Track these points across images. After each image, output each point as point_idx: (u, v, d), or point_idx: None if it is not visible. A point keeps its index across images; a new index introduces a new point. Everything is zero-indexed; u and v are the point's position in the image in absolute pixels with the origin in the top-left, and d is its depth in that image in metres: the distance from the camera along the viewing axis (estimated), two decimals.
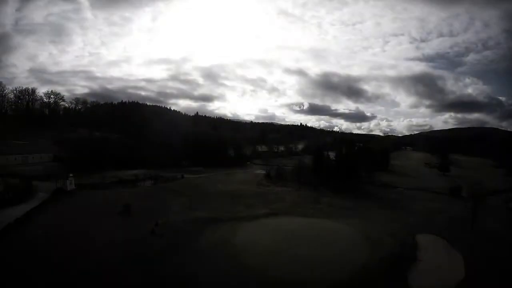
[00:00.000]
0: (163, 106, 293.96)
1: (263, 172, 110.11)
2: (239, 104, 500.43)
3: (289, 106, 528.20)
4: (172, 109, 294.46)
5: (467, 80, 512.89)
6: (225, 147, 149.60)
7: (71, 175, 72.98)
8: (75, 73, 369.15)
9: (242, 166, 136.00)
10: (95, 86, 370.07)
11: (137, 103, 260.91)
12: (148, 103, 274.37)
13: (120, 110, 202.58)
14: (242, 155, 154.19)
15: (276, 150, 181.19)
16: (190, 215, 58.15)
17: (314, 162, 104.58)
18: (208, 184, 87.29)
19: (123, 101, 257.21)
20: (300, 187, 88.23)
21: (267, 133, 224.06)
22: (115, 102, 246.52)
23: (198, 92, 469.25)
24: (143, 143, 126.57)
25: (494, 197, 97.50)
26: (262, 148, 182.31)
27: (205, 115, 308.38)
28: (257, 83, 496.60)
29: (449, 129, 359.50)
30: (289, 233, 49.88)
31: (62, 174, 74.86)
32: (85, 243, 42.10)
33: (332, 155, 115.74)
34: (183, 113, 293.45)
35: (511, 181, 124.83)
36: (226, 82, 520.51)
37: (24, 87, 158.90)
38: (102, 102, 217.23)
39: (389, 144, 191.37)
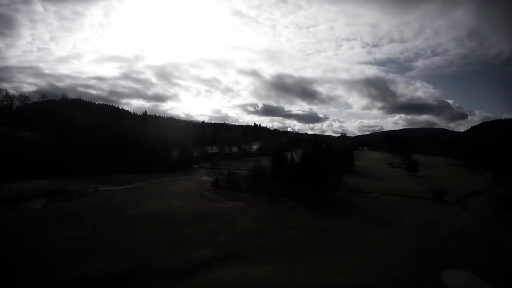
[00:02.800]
0: (112, 105, 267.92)
1: (212, 178, 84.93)
2: (193, 105, 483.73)
3: (243, 107, 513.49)
4: (121, 108, 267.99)
5: (418, 84, 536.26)
6: (168, 149, 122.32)
7: None
8: (22, 69, 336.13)
9: (187, 170, 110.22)
10: (43, 83, 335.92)
11: (80, 99, 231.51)
12: (92, 101, 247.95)
13: (55, 107, 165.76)
14: (188, 158, 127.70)
15: (228, 151, 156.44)
16: (69, 273, 31.50)
17: (273, 165, 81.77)
18: (132, 201, 60.26)
19: (65, 97, 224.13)
20: (258, 200, 64.56)
21: (219, 132, 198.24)
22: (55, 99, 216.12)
23: (151, 91, 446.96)
24: (69, 145, 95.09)
25: (475, 199, 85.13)
26: (212, 149, 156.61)
27: (155, 115, 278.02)
28: (212, 83, 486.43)
29: (401, 130, 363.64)
30: None
31: None
32: None
33: (294, 156, 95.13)
34: (132, 112, 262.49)
35: (480, 180, 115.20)
36: (180, 81, 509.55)
37: None
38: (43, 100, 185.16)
39: (348, 144, 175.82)
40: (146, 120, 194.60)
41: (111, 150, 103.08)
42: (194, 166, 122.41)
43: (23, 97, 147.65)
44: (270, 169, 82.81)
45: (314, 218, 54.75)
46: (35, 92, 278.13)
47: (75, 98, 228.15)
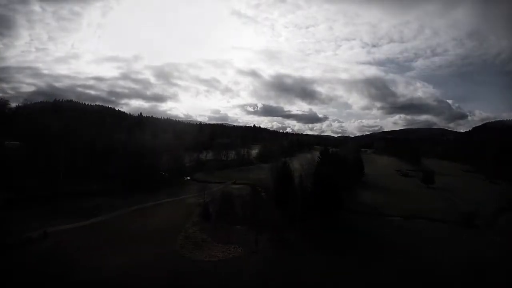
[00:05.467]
0: (109, 106, 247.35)
1: (201, 201, 67.57)
2: (193, 105, 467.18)
3: (243, 107, 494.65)
4: (118, 109, 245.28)
5: (418, 84, 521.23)
6: (158, 158, 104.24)
7: None
8: (20, 69, 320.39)
9: (176, 186, 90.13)
10: (41, 83, 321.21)
11: (71, 101, 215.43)
12: (87, 103, 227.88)
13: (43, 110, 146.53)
14: (179, 168, 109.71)
15: (225, 158, 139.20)
16: None
17: (277, 187, 64.74)
18: (87, 253, 42.26)
19: (57, 99, 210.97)
20: (258, 240, 47.15)
21: (216, 136, 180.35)
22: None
23: (150, 91, 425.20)
24: (34, 160, 76.77)
25: (505, 219, 71.97)
26: (208, 155, 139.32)
27: (152, 116, 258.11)
28: (211, 84, 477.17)
29: (401, 130, 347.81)
30: None
31: None
32: None
33: (296, 164, 79.26)
34: (129, 113, 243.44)
35: (499, 191, 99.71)
36: (179, 82, 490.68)
37: None
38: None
39: (354, 148, 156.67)
40: (142, 122, 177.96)
41: (89, 163, 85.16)
42: (186, 179, 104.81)
43: (3, 100, 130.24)
44: (272, 190, 66.84)
45: (334, 269, 38.67)
46: (33, 93, 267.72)
47: (68, 100, 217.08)
